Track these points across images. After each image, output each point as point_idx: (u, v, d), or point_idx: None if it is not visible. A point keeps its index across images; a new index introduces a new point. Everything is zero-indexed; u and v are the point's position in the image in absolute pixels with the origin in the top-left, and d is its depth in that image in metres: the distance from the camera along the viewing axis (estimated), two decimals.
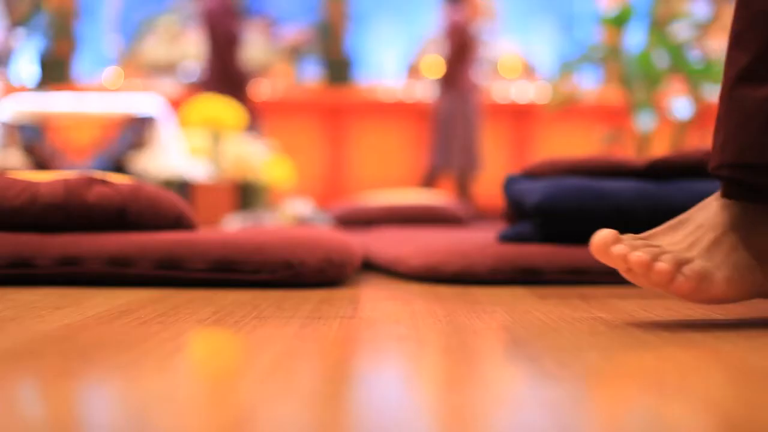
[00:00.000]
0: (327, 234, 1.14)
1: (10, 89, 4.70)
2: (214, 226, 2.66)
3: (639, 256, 0.63)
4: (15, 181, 1.07)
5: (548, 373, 0.48)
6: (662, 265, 0.63)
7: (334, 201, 4.65)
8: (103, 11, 5.95)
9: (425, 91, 5.39)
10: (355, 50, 5.81)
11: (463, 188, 4.51)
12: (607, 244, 0.65)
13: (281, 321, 0.69)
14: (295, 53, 5.78)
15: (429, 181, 4.58)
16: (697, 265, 0.65)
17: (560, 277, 1.05)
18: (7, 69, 4.96)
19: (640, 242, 0.67)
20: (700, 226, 0.69)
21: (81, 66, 5.77)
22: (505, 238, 1.22)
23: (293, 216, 3.25)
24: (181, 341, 0.59)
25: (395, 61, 5.94)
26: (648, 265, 0.63)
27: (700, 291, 0.64)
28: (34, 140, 3.22)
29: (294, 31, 5.67)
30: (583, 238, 1.13)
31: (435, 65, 5.67)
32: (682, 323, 0.69)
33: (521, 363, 0.53)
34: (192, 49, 5.73)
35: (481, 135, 4.52)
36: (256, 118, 4.55)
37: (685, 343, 0.59)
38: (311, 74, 5.79)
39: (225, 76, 4.41)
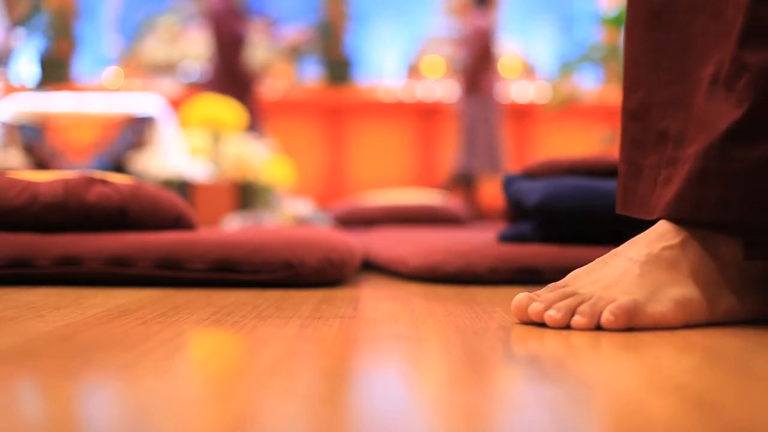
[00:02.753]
0: (327, 234, 1.14)
1: (10, 89, 4.70)
2: (214, 226, 2.66)
3: (552, 316, 0.65)
4: (15, 181, 1.07)
5: (548, 373, 0.48)
6: (579, 320, 0.64)
7: (334, 201, 4.65)
8: (103, 11, 5.95)
9: (426, 90, 5.39)
10: (355, 50, 5.81)
11: (469, 189, 4.52)
12: (521, 308, 0.68)
13: (281, 321, 0.69)
14: (295, 53, 5.78)
15: (456, 184, 4.57)
16: (623, 301, 0.65)
17: (559, 277, 1.04)
18: (7, 69, 4.96)
19: (555, 294, 0.68)
20: (629, 259, 0.68)
21: (81, 66, 5.77)
22: (505, 238, 1.22)
23: (293, 216, 3.25)
24: (181, 341, 0.59)
25: (395, 61, 5.94)
26: (563, 322, 0.65)
27: (633, 322, 0.64)
28: (34, 140, 3.22)
29: (294, 31, 5.67)
30: (583, 238, 1.13)
31: (439, 66, 5.67)
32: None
33: (521, 363, 0.53)
34: (192, 49, 5.73)
35: (503, 138, 4.53)
36: (260, 118, 4.55)
37: (684, 343, 0.59)
38: (311, 74, 5.79)
39: (230, 76, 4.41)
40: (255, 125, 4.42)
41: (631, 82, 0.77)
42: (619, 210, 0.78)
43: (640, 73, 0.76)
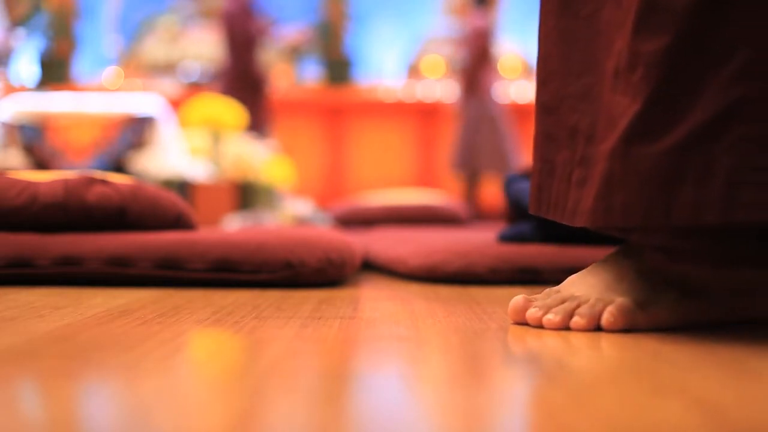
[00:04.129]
0: (327, 234, 1.14)
1: (10, 89, 4.70)
2: (214, 226, 2.66)
3: (550, 319, 0.65)
4: (15, 181, 1.07)
5: (548, 374, 0.48)
6: (578, 321, 0.64)
7: (334, 201, 4.65)
8: (103, 11, 5.95)
9: (426, 90, 5.39)
10: (355, 50, 5.81)
11: (471, 189, 4.51)
12: (518, 311, 0.68)
13: (281, 321, 0.69)
14: (295, 53, 5.78)
15: (470, 184, 4.57)
16: (623, 302, 0.64)
17: (559, 277, 1.04)
18: (7, 69, 4.97)
19: (552, 299, 0.67)
20: (626, 261, 0.68)
21: (81, 66, 5.77)
22: (505, 238, 1.22)
23: (293, 216, 3.25)
24: (181, 341, 0.59)
25: (395, 61, 5.94)
26: (562, 325, 0.65)
27: (632, 323, 0.64)
28: (34, 140, 3.22)
29: (294, 31, 5.67)
30: (583, 238, 1.13)
31: (439, 66, 5.68)
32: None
33: (521, 363, 0.53)
34: (192, 49, 5.73)
35: (511, 136, 4.51)
36: (269, 119, 4.54)
37: (684, 343, 0.59)
38: (311, 74, 5.79)
39: (243, 76, 4.40)
40: (264, 125, 4.42)
41: (545, 75, 0.74)
42: (533, 210, 0.75)
43: (553, 64, 0.73)
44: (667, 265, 0.67)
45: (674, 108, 0.59)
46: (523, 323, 0.68)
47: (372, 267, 1.31)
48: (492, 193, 4.49)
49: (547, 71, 0.73)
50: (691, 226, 0.59)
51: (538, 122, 0.75)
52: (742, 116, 0.56)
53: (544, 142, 0.73)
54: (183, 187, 2.92)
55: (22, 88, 5.14)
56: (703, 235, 0.63)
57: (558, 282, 0.72)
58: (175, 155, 3.17)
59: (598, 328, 0.64)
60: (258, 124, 4.37)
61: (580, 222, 0.67)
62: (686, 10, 0.59)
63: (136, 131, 3.22)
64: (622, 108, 0.62)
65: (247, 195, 3.18)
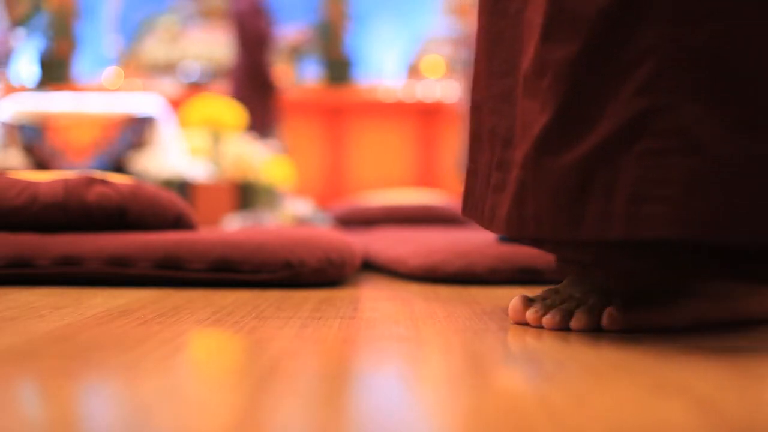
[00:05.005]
0: (327, 234, 1.14)
1: (10, 89, 4.71)
2: (214, 226, 2.66)
3: (549, 319, 0.65)
4: (15, 181, 1.07)
5: (548, 374, 0.48)
6: (578, 321, 0.64)
7: (334, 201, 4.65)
8: (103, 11, 5.95)
9: (426, 90, 5.39)
10: (355, 50, 5.81)
11: None
12: (518, 311, 0.68)
13: (281, 321, 0.69)
14: (295, 53, 5.78)
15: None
16: (619, 302, 0.64)
17: (560, 277, 1.05)
18: (7, 69, 4.97)
19: (551, 299, 0.67)
20: None
21: (81, 66, 5.77)
22: (505, 238, 1.22)
23: (293, 216, 3.25)
24: (181, 341, 0.59)
25: (395, 61, 5.94)
26: (562, 324, 0.64)
27: (632, 323, 0.64)
28: (34, 140, 3.22)
29: (294, 31, 5.67)
30: None
31: (439, 66, 5.67)
32: None
33: (521, 363, 0.53)
34: (192, 49, 5.73)
35: None
36: (277, 119, 4.54)
37: (685, 343, 0.59)
38: (311, 74, 5.79)
39: (253, 76, 4.40)
40: (272, 125, 4.42)
41: (475, 74, 0.73)
42: (462, 212, 0.74)
43: (481, 63, 0.71)
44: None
45: (582, 119, 0.58)
46: (523, 323, 0.68)
47: (372, 267, 1.31)
48: None
49: (477, 71, 0.72)
50: (598, 240, 0.58)
51: (469, 122, 0.74)
52: (646, 129, 0.55)
53: (471, 142, 0.73)
54: (183, 187, 2.92)
55: (22, 88, 5.14)
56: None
57: (558, 282, 0.72)
58: (175, 155, 3.17)
59: (597, 328, 0.64)
60: (266, 125, 4.37)
61: (496, 229, 0.66)
62: (595, 18, 0.57)
63: (136, 131, 3.22)
64: (534, 114, 0.61)
65: (247, 195, 3.18)
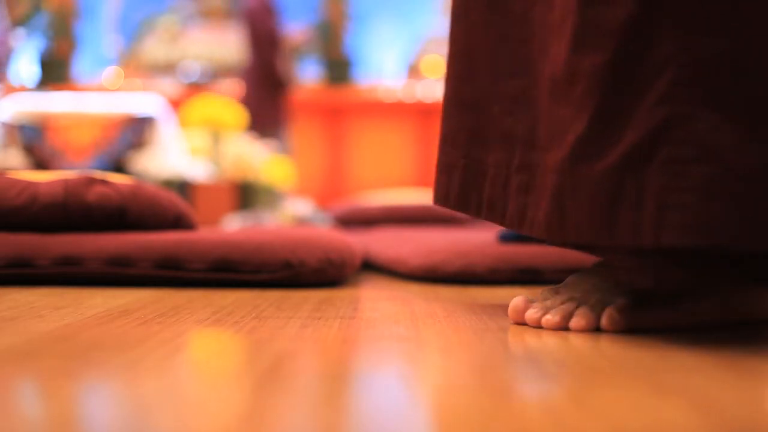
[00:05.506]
0: (327, 234, 1.14)
1: (10, 89, 4.71)
2: (214, 226, 2.66)
3: (549, 320, 0.65)
4: (15, 181, 1.07)
5: (548, 374, 0.48)
6: (579, 321, 0.64)
7: (334, 201, 4.65)
8: (103, 11, 5.95)
9: (426, 90, 5.39)
10: (355, 50, 5.81)
11: None
12: (518, 312, 0.68)
13: (281, 321, 0.69)
14: (295, 53, 5.79)
15: None
16: (623, 302, 0.64)
17: (560, 277, 1.05)
18: (7, 69, 4.97)
19: (552, 300, 0.67)
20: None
21: (81, 66, 5.77)
22: (505, 238, 1.22)
23: (293, 216, 3.25)
24: (181, 341, 0.59)
25: (395, 61, 5.94)
26: (562, 325, 0.64)
27: (633, 323, 0.64)
28: (34, 140, 3.22)
29: (294, 31, 5.67)
30: None
31: (439, 66, 5.67)
32: None
33: (521, 363, 0.53)
34: (192, 49, 5.73)
35: None
36: (287, 119, 4.54)
37: (685, 343, 0.59)
38: (311, 74, 5.79)
39: (266, 75, 4.39)
40: (282, 126, 4.41)
41: (468, 70, 0.72)
42: (454, 206, 0.74)
43: (478, 60, 0.71)
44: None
45: (612, 127, 0.59)
46: (523, 323, 0.68)
47: (372, 267, 1.31)
48: None
49: (472, 67, 0.72)
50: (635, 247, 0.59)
51: (459, 119, 0.73)
52: (666, 138, 0.56)
53: (470, 140, 0.72)
54: (183, 187, 2.92)
55: (22, 88, 5.14)
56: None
57: (558, 282, 0.72)
58: (175, 155, 3.17)
59: (597, 328, 0.64)
60: (278, 124, 4.37)
61: (534, 233, 0.67)
62: (619, 28, 0.58)
63: (136, 131, 3.22)
64: (566, 121, 0.62)
65: (247, 195, 3.18)
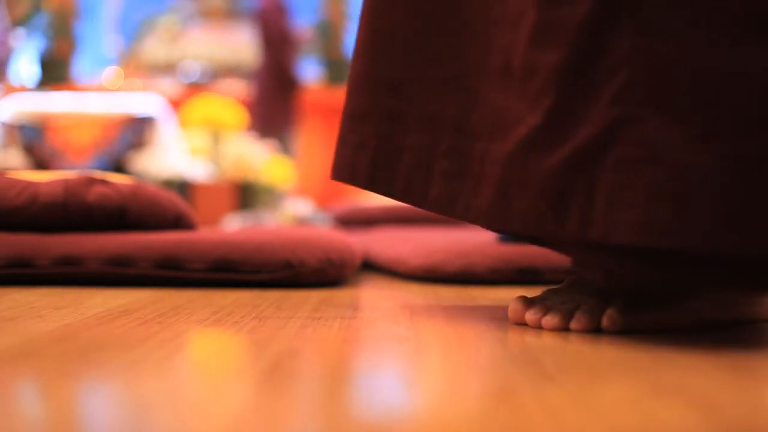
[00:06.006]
0: (327, 234, 1.14)
1: (10, 89, 4.71)
2: (214, 226, 2.66)
3: (549, 320, 0.65)
4: (15, 181, 1.07)
5: (548, 374, 0.48)
6: (579, 322, 0.64)
7: (334, 201, 4.64)
8: (103, 11, 5.95)
9: None
10: None
11: None
12: (518, 312, 0.68)
13: (281, 321, 0.69)
14: (300, 53, 5.79)
15: None
16: (623, 302, 0.64)
17: (560, 278, 1.04)
18: (7, 69, 4.97)
19: (552, 300, 0.67)
20: None
21: (81, 66, 5.77)
22: (505, 238, 1.22)
23: (293, 216, 3.25)
24: (181, 341, 0.59)
25: None
26: (562, 325, 0.64)
27: (633, 324, 0.64)
28: (34, 140, 3.22)
29: (300, 31, 5.67)
30: None
31: None
32: None
33: (521, 363, 0.53)
34: (192, 49, 5.73)
35: None
36: (296, 120, 4.53)
37: (684, 344, 0.59)
38: (311, 74, 5.79)
39: (278, 75, 4.39)
40: (290, 127, 4.41)
41: (387, 48, 0.71)
42: (360, 183, 0.73)
43: (402, 40, 0.70)
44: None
45: (567, 124, 0.59)
46: (523, 324, 0.68)
47: (372, 267, 1.31)
48: None
49: (394, 46, 0.71)
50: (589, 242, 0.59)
51: (373, 97, 0.72)
52: (619, 138, 0.57)
53: (385, 120, 0.71)
54: (183, 187, 2.92)
55: (22, 88, 5.14)
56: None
57: (558, 282, 0.72)
58: (175, 155, 3.17)
59: (597, 329, 0.64)
60: (287, 125, 4.36)
61: (470, 219, 0.67)
62: (578, 26, 0.59)
63: (136, 131, 3.22)
64: (517, 113, 0.62)
65: (247, 195, 3.18)
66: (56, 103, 3.43)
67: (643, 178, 0.56)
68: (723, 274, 0.61)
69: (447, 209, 0.69)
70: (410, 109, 0.70)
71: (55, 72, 5.57)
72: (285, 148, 4.46)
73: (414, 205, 0.71)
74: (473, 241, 1.23)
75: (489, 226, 0.67)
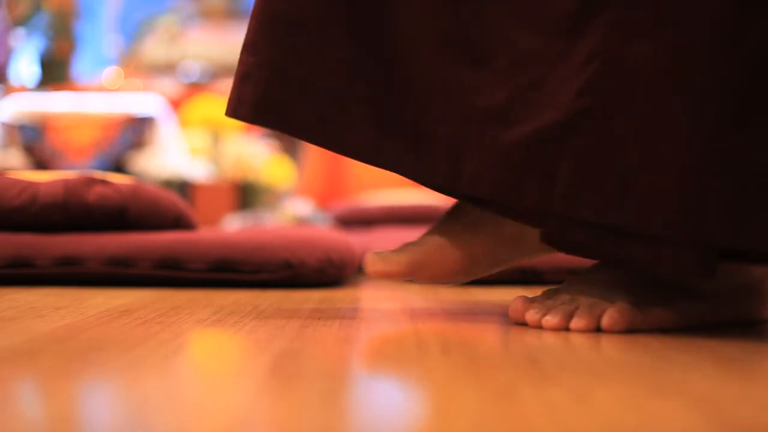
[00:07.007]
0: (327, 234, 1.14)
1: (10, 89, 4.71)
2: (214, 226, 2.66)
3: (549, 320, 0.65)
4: (15, 181, 1.07)
5: (548, 374, 0.48)
6: (579, 321, 0.64)
7: (334, 201, 4.65)
8: (103, 11, 5.95)
9: None
10: None
11: None
12: (518, 312, 0.68)
13: (281, 321, 0.69)
14: None
15: None
16: (623, 302, 0.64)
17: (560, 277, 1.04)
18: (7, 69, 4.96)
19: (552, 300, 0.68)
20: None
21: (81, 66, 5.77)
22: None
23: (293, 216, 3.25)
24: (181, 341, 0.59)
25: None
26: (562, 325, 0.65)
27: (633, 324, 0.64)
28: (34, 140, 3.22)
29: None
30: None
31: None
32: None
33: (521, 363, 0.53)
34: (192, 49, 5.74)
35: None
36: None
37: (684, 344, 0.59)
38: None
39: None
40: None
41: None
42: (258, 119, 0.69)
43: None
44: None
45: (535, 104, 0.62)
46: (523, 324, 0.68)
47: None
48: None
49: None
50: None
51: (279, 37, 0.69)
52: (583, 127, 0.60)
53: (287, 55, 0.68)
54: (183, 187, 2.92)
55: (22, 88, 5.13)
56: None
57: (558, 282, 0.72)
58: (175, 155, 3.17)
59: (597, 328, 0.64)
60: None
61: (398, 170, 0.68)
62: (560, 17, 0.62)
63: (136, 131, 3.22)
64: (473, 87, 0.65)
65: (247, 195, 3.18)
66: (56, 103, 3.43)
67: (608, 168, 0.60)
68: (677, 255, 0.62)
69: (372, 159, 0.69)
70: (326, 50, 0.68)
71: (55, 72, 5.57)
72: (288, 147, 4.45)
73: (323, 147, 0.69)
74: None
75: (433, 186, 0.69)
